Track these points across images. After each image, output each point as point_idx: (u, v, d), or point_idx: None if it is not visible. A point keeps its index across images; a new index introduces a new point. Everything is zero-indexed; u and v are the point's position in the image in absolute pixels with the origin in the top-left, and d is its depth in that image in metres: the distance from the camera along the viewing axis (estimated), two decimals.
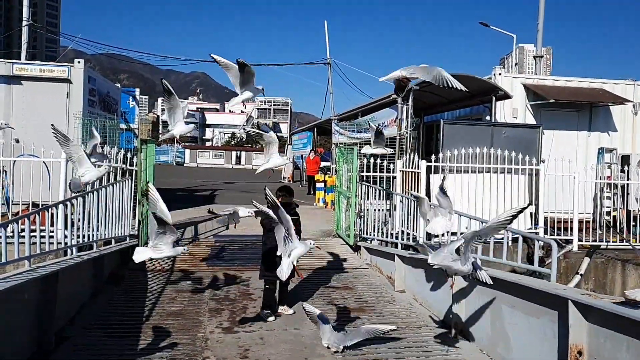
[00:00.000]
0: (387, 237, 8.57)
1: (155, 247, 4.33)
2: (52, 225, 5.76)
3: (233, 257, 8.31)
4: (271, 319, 5.68)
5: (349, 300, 6.47)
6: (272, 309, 5.81)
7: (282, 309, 5.93)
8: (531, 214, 9.13)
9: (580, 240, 9.23)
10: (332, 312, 6.01)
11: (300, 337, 5.24)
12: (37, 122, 9.47)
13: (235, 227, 6.02)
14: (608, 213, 10.57)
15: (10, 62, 10.18)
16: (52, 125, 5.14)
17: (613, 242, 9.28)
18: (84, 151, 5.39)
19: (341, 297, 6.59)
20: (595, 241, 9.29)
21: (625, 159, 11.25)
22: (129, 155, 8.70)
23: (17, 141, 8.85)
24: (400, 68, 4.58)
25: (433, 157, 8.77)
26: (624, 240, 9.35)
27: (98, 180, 6.28)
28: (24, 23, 15.79)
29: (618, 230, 10.01)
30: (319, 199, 16.09)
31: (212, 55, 4.76)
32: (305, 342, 5.10)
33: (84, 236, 6.59)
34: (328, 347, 4.72)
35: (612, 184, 10.53)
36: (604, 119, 12.36)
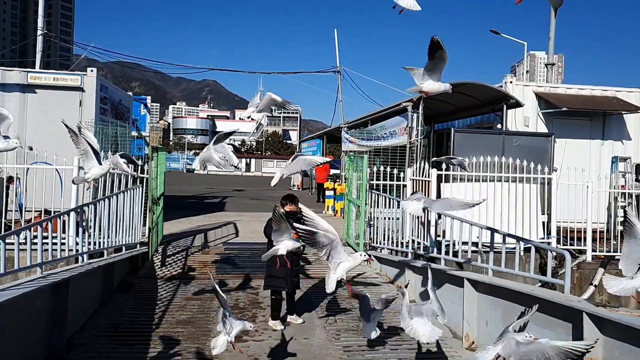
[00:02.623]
0: (397, 246, 8.51)
1: (226, 327, 3.68)
2: (63, 232, 5.79)
3: (242, 265, 8.29)
4: (280, 328, 5.65)
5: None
6: (280, 318, 5.78)
7: (291, 319, 5.90)
8: (543, 223, 9.02)
9: (594, 250, 9.09)
10: (341, 321, 5.98)
11: (310, 346, 5.20)
12: (50, 130, 9.59)
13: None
14: (622, 223, 10.40)
15: (24, 71, 10.35)
16: (62, 120, 5.19)
17: None
18: (92, 146, 5.29)
19: (351, 307, 6.53)
20: (610, 251, 9.13)
21: (639, 168, 11.09)
22: (140, 162, 8.76)
23: (31, 149, 8.97)
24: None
25: (444, 166, 8.71)
26: None
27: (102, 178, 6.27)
28: (39, 32, 16.07)
29: None
30: (328, 206, 16.07)
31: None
32: (315, 352, 5.06)
33: (94, 243, 6.64)
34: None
35: (627, 193, 10.37)
36: (618, 128, 12.20)
